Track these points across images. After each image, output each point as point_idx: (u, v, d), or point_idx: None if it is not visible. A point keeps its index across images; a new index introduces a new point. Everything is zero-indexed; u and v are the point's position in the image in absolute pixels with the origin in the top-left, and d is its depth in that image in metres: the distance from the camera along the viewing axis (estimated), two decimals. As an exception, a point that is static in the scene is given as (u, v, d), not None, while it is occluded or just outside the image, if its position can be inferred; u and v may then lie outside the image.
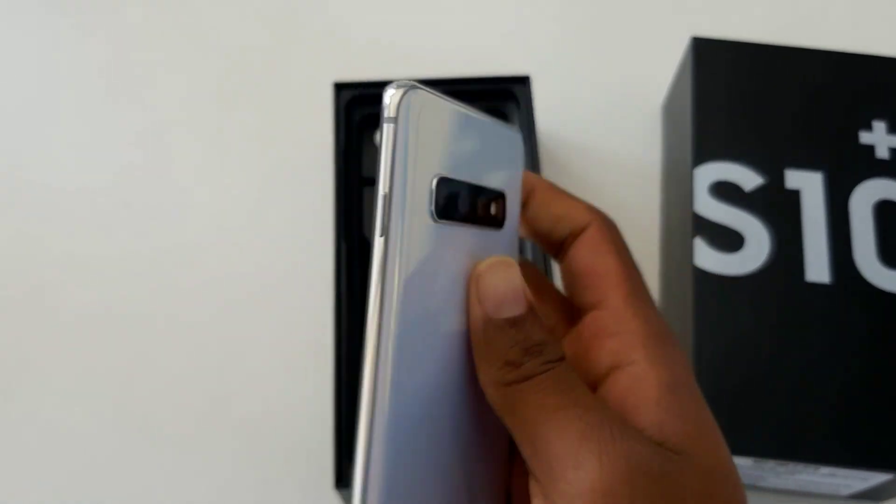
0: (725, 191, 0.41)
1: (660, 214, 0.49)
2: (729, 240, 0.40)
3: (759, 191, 0.41)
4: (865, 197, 0.41)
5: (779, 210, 0.41)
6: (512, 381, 0.20)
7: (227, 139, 0.51)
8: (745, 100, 0.44)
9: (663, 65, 0.50)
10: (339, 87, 0.47)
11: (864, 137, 0.42)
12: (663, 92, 0.51)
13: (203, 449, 0.42)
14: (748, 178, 0.41)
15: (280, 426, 0.42)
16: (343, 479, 0.36)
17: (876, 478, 0.37)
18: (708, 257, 0.40)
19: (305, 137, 0.50)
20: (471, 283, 0.21)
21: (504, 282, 0.21)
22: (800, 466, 0.37)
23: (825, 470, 0.37)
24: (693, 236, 0.40)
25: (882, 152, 0.42)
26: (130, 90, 0.53)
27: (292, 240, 0.47)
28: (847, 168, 0.42)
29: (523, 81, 0.47)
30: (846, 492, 0.40)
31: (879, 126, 0.43)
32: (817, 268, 0.39)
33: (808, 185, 0.41)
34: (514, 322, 0.20)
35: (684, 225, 0.42)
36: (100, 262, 0.47)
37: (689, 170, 0.42)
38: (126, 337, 0.45)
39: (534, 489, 0.20)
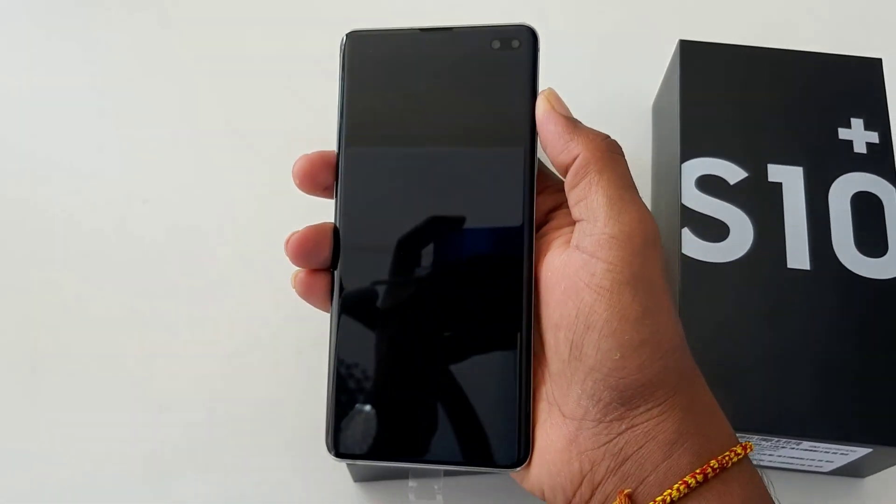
0: (711, 184, 0.44)
1: (650, 206, 0.51)
2: (714, 230, 0.42)
3: (742, 184, 0.43)
4: (843, 189, 0.43)
5: (761, 202, 0.43)
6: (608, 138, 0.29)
7: (227, 127, 0.53)
8: (730, 99, 0.46)
9: (653, 67, 0.52)
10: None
11: (843, 133, 0.45)
12: (653, 93, 0.54)
13: (211, 431, 0.44)
14: (732, 173, 0.44)
15: (287, 408, 0.44)
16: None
17: (856, 452, 0.39)
18: (694, 246, 0.42)
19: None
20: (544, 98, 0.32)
21: None
22: (782, 441, 0.39)
23: (807, 444, 0.39)
24: (681, 227, 0.42)
25: (859, 147, 0.44)
26: (132, 81, 0.55)
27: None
28: (826, 162, 0.44)
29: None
30: (828, 468, 0.42)
31: (857, 123, 0.45)
32: (798, 255, 0.42)
33: (789, 178, 0.44)
34: None
35: (672, 216, 0.44)
36: (111, 255, 0.49)
37: (677, 165, 0.44)
38: (136, 326, 0.47)
39: (579, 231, 0.28)
